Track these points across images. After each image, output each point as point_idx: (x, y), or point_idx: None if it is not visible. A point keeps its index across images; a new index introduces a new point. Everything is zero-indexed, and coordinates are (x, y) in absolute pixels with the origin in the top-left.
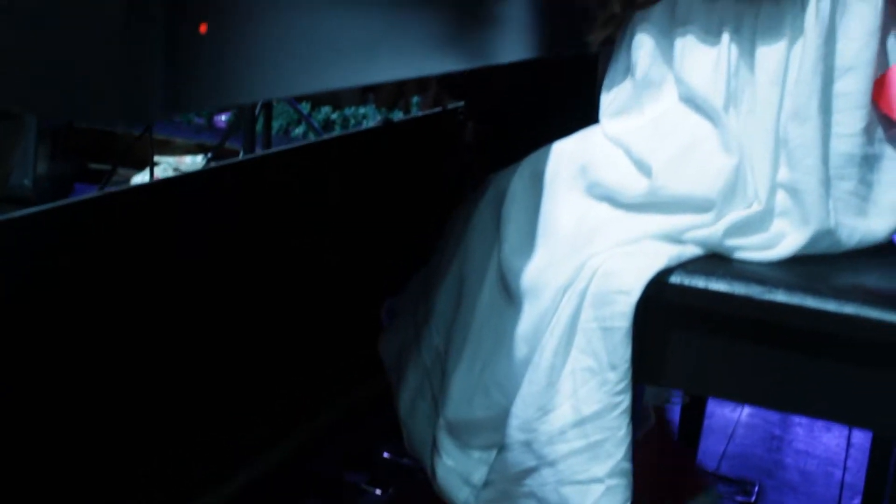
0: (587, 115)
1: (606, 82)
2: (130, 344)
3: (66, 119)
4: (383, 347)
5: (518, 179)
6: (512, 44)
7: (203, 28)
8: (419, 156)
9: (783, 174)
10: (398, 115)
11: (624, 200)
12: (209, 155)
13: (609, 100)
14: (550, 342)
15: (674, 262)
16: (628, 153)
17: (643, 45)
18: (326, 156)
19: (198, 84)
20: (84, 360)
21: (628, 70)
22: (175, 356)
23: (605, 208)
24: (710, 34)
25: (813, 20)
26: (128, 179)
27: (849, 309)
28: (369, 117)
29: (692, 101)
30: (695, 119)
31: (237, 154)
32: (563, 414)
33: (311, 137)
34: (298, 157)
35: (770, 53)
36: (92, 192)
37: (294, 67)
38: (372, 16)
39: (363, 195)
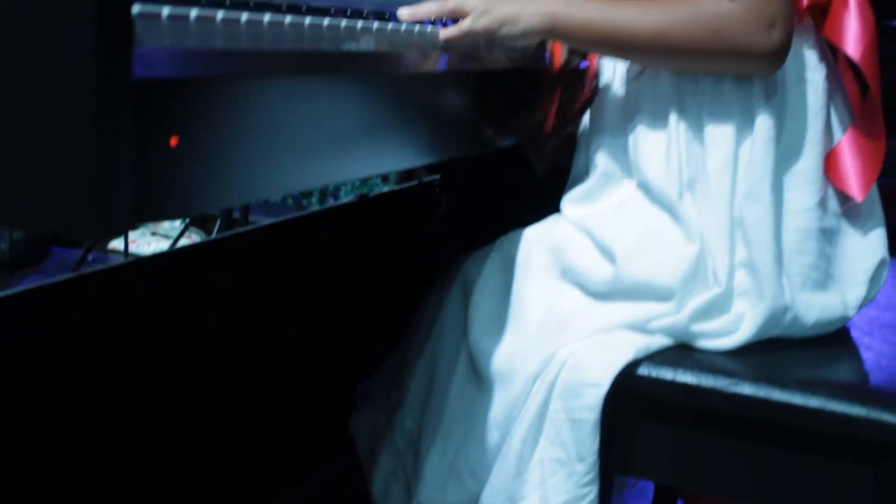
0: (562, 189)
1: (570, 179)
2: (99, 423)
3: (35, 232)
4: (355, 428)
5: (490, 264)
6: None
7: (174, 141)
8: (395, 230)
9: (741, 254)
10: (376, 184)
11: (592, 287)
12: (187, 220)
13: (572, 194)
14: (520, 431)
15: (641, 354)
16: (591, 237)
17: (599, 142)
18: (301, 232)
19: (169, 195)
20: (53, 441)
21: (587, 164)
22: (144, 439)
23: (575, 296)
24: (659, 124)
25: (762, 101)
26: (106, 241)
27: (814, 402)
28: (347, 184)
29: (649, 191)
30: (653, 208)
31: (215, 218)
32: None
33: (289, 202)
34: (273, 234)
35: (720, 137)
36: (67, 274)
37: (266, 173)
38: (343, 118)
39: (338, 271)
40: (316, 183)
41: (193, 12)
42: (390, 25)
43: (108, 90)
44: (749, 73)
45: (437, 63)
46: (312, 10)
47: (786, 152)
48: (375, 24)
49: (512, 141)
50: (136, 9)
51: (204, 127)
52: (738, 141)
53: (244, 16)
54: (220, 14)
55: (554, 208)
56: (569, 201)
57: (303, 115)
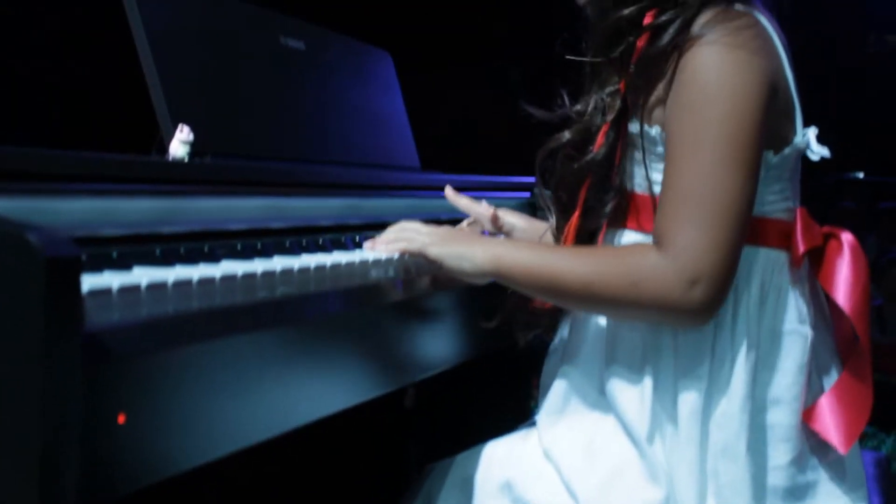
0: (529, 394)
1: (541, 393)
2: None
3: None
4: None
5: (449, 482)
6: (442, 355)
7: (121, 419)
8: (359, 425)
9: None
10: None
11: None
12: None
13: (548, 407)
14: None
15: None
16: (559, 472)
17: (576, 356)
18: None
19: (118, 472)
20: None
21: (563, 373)
22: None
23: None
24: (636, 361)
25: (742, 353)
26: None
27: None
28: None
29: (621, 424)
30: (624, 442)
31: None
32: None
33: None
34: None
35: (691, 385)
36: None
37: (216, 433)
38: (293, 364)
39: (301, 485)
40: (269, 433)
41: (144, 280)
42: (328, 262)
43: (54, 379)
44: (675, 326)
45: (394, 292)
46: (271, 233)
47: (763, 407)
48: (313, 264)
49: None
50: (85, 286)
51: (153, 399)
52: (711, 392)
53: (196, 275)
54: (171, 277)
55: (518, 410)
56: (545, 414)
57: (252, 370)
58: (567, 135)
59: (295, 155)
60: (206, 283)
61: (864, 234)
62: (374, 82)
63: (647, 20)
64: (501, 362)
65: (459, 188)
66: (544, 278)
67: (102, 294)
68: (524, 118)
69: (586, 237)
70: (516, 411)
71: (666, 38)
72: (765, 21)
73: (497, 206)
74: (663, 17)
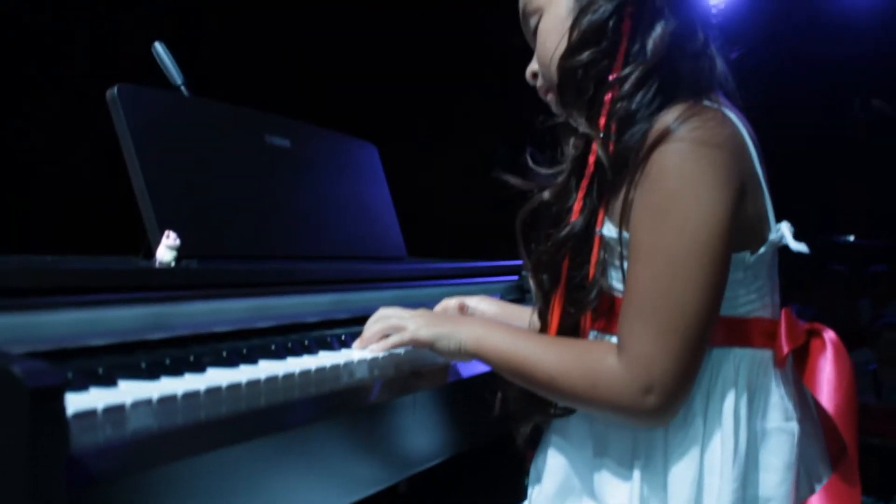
0: (522, 469)
1: (533, 472)
2: None
3: None
4: None
5: None
6: (433, 450)
7: None
8: None
9: None
10: None
11: None
12: None
13: (539, 490)
14: None
15: None
16: None
17: (562, 450)
18: None
19: None
20: None
21: (555, 452)
22: None
23: None
24: (625, 458)
25: (730, 453)
26: None
27: None
28: None
29: None
30: None
31: None
32: None
33: None
34: None
35: (680, 485)
36: None
37: None
38: (280, 475)
39: None
40: None
41: (129, 399)
42: (313, 366)
43: None
44: (632, 426)
45: (380, 392)
46: (258, 333)
47: None
48: (297, 370)
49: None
50: (70, 409)
51: None
52: (701, 491)
53: (180, 389)
54: (155, 394)
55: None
56: (538, 498)
57: (240, 480)
58: (545, 195)
59: (283, 252)
60: (190, 396)
61: (855, 297)
62: (361, 174)
63: (613, 75)
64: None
65: (445, 275)
66: (515, 364)
67: (88, 416)
68: (506, 196)
69: (570, 327)
70: (510, 488)
71: (639, 123)
72: (734, 116)
73: (481, 292)
74: (626, 70)
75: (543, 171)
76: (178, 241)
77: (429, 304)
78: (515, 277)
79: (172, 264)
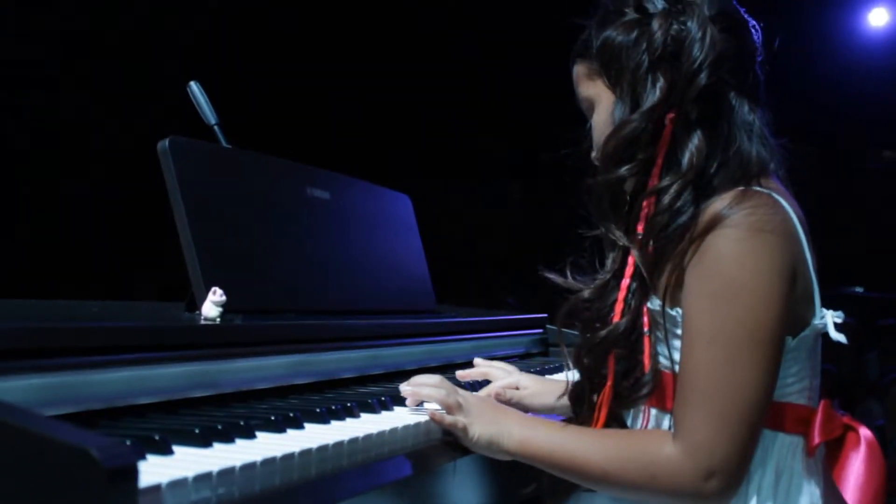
0: None
1: None
2: None
3: None
4: None
5: None
6: None
7: None
8: None
9: None
10: None
11: None
12: None
13: None
14: None
15: None
16: None
17: None
18: None
19: None
20: None
21: None
22: None
23: None
24: None
25: None
26: None
27: None
28: None
29: None
30: None
31: None
32: None
33: None
34: None
35: None
36: None
37: None
38: None
39: None
40: None
41: (190, 473)
42: (360, 433)
43: None
44: None
45: (416, 462)
46: (296, 389)
47: None
48: (360, 435)
49: None
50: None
51: None
52: None
53: (238, 461)
54: (215, 468)
55: None
56: None
57: None
58: (585, 294)
59: (320, 307)
60: (247, 468)
61: (863, 351)
62: (395, 226)
63: (651, 184)
64: None
65: (472, 329)
66: (565, 464)
67: (153, 491)
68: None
69: (616, 414)
70: None
71: (683, 216)
72: (783, 202)
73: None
74: (664, 182)
75: (583, 279)
76: (224, 298)
77: (456, 358)
78: (540, 331)
79: (218, 320)
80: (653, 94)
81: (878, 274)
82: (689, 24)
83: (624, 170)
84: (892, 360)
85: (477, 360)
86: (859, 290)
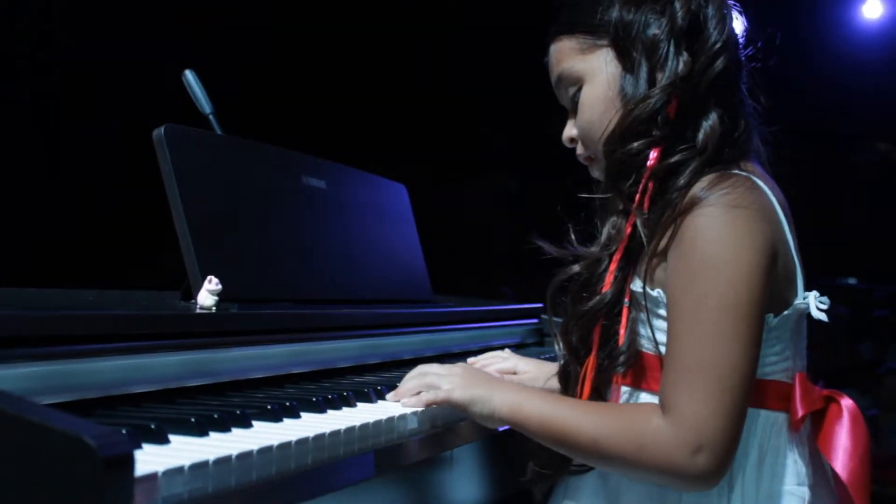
0: None
1: None
2: None
3: None
4: None
5: None
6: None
7: None
8: None
9: None
10: None
11: None
12: None
13: None
14: None
15: None
16: None
17: None
18: None
19: None
20: None
21: None
22: None
23: None
24: None
25: None
26: None
27: None
28: None
29: None
30: None
31: None
32: None
33: None
34: None
35: None
36: None
37: None
38: None
39: None
40: None
41: (186, 462)
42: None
43: None
44: (680, 490)
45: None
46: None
47: None
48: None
49: None
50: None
51: None
52: None
53: (234, 450)
54: (211, 457)
55: None
56: None
57: None
58: (576, 268)
59: (317, 296)
60: (244, 457)
61: (856, 341)
62: (392, 215)
63: (653, 161)
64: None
65: (468, 318)
66: (556, 431)
67: (149, 479)
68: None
69: (598, 389)
70: None
71: (675, 189)
72: (763, 185)
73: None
74: (673, 159)
75: (580, 248)
76: (219, 287)
77: (453, 348)
78: (535, 321)
79: (214, 309)
80: (673, 70)
81: (872, 266)
82: (707, 4)
83: (638, 144)
84: (886, 351)
85: (470, 360)
86: (853, 281)
